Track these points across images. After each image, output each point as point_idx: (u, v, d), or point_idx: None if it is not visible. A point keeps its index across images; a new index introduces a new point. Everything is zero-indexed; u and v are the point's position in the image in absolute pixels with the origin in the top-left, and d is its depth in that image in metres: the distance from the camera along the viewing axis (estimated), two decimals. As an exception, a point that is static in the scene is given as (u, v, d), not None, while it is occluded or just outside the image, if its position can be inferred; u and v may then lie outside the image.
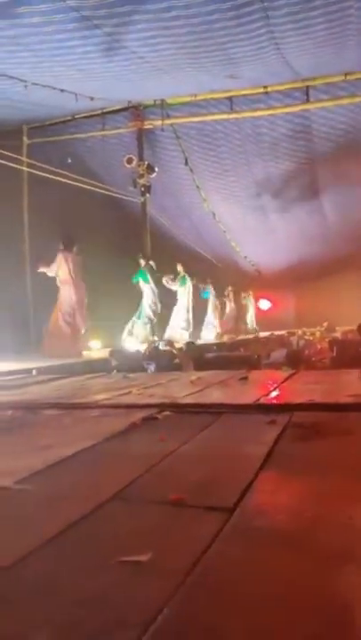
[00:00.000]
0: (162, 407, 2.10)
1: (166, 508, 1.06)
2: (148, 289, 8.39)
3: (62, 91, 6.25)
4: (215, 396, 2.43)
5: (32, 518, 1.04)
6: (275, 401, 2.15)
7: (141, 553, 0.86)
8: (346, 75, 7.66)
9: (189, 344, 7.95)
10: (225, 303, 12.87)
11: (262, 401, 2.15)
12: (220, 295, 12.45)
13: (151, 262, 8.61)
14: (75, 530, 0.97)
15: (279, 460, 1.38)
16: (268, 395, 2.32)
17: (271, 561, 0.84)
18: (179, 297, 9.64)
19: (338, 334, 9.74)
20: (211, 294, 11.77)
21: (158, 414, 1.97)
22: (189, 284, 9.69)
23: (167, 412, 2.00)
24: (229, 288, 13.09)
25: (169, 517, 1.03)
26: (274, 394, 2.34)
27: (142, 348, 7.14)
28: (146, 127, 8.75)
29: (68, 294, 6.43)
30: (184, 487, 1.17)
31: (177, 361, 6.89)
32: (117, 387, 2.87)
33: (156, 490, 1.18)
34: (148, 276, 8.36)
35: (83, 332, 6.55)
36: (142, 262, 8.49)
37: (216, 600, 0.73)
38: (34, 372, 4.49)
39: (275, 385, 2.62)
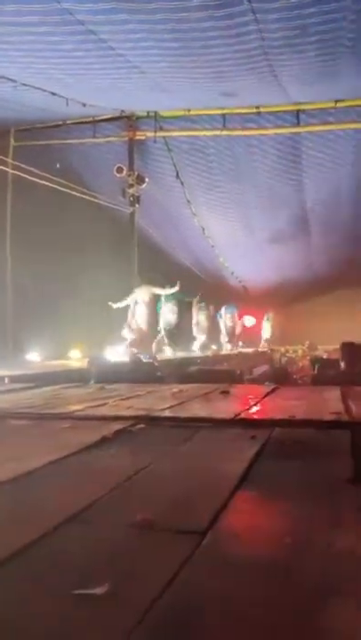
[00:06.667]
0: (137, 420, 1.99)
1: (131, 532, 0.96)
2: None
3: (53, 94, 6.18)
4: (195, 409, 2.33)
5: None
6: (255, 416, 2.06)
7: (97, 585, 0.75)
8: (336, 102, 7.81)
9: (174, 357, 7.86)
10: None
11: (243, 416, 2.06)
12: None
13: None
14: (27, 555, 0.85)
15: (257, 480, 1.29)
16: (248, 409, 2.24)
17: (247, 593, 0.74)
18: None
19: (319, 353, 9.77)
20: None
21: (133, 427, 1.87)
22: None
23: (142, 426, 1.90)
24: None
25: (134, 542, 0.93)
26: (255, 409, 2.25)
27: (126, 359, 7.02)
28: (138, 138, 8.75)
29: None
30: (153, 508, 1.07)
31: (159, 373, 6.78)
32: (93, 398, 2.75)
33: (122, 510, 1.07)
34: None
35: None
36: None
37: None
38: (6, 380, 4.34)
39: (256, 400, 2.54)
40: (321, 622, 0.65)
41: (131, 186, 8.57)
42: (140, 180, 8.66)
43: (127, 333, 8.22)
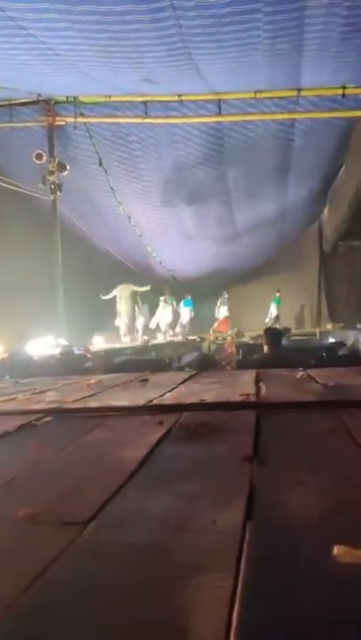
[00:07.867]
0: (45, 413, 1.93)
1: (12, 527, 0.92)
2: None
3: None
4: (107, 399, 2.31)
5: None
6: (166, 402, 2.08)
7: None
8: (256, 92, 7.98)
9: (104, 349, 7.76)
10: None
11: (154, 402, 2.07)
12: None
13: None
14: None
15: (156, 464, 1.30)
16: (162, 396, 2.25)
17: (115, 580, 0.74)
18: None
19: (246, 339, 10.10)
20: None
21: (38, 421, 1.81)
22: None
23: (49, 419, 1.84)
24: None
25: (12, 537, 0.89)
26: (168, 395, 2.27)
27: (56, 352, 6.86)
28: (58, 123, 8.43)
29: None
30: (43, 500, 1.04)
31: (89, 364, 6.67)
32: (2, 393, 2.64)
33: (8, 505, 1.03)
34: None
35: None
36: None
37: (42, 633, 0.61)
38: None
39: (172, 386, 2.56)
40: (181, 600, 0.66)
41: (51, 173, 8.28)
42: (62, 167, 8.39)
43: (119, 322, 10.66)
